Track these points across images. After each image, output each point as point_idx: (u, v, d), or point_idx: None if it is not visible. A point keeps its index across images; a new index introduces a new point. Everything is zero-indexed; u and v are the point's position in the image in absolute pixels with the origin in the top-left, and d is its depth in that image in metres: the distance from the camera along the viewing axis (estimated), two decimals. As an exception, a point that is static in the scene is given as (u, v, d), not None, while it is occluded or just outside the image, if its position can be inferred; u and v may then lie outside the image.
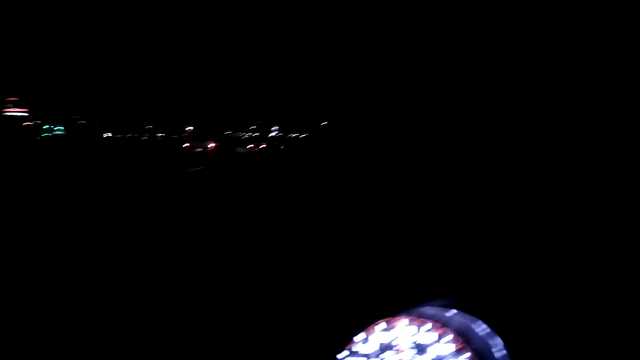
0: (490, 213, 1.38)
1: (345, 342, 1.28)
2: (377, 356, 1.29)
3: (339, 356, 1.27)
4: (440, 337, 1.31)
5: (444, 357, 1.30)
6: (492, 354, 1.25)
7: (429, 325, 1.31)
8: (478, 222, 1.37)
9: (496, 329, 1.23)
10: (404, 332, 1.31)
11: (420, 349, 1.30)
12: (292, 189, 1.91)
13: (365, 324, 1.27)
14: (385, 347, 1.30)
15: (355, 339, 1.29)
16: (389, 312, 1.26)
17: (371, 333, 1.30)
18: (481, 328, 1.26)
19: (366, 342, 1.30)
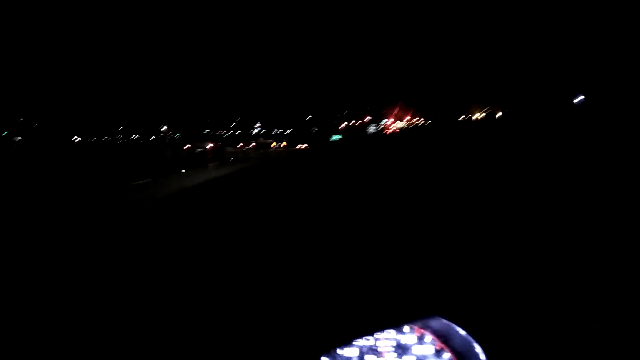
0: (466, 224, 1.40)
1: (327, 346, 1.30)
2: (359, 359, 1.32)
3: None
4: (419, 338, 1.34)
5: (425, 357, 1.32)
6: (470, 353, 1.27)
7: (408, 327, 1.34)
8: (454, 233, 1.39)
9: (472, 332, 1.25)
10: (384, 335, 1.34)
11: (402, 350, 1.33)
12: (283, 199, 1.93)
13: (347, 341, 1.29)
14: (366, 351, 1.33)
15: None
16: (371, 330, 1.29)
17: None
18: (459, 330, 1.28)
19: (348, 346, 1.33)
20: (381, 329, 1.30)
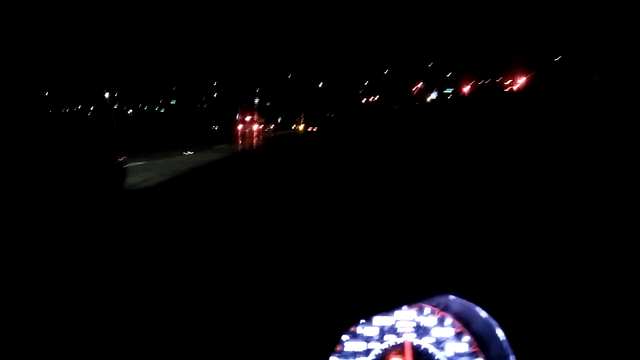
0: (486, 204, 1.36)
1: (347, 326, 1.34)
2: (379, 339, 1.35)
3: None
4: (440, 320, 1.34)
5: (445, 339, 1.33)
6: (491, 337, 1.26)
7: (428, 309, 1.34)
8: (474, 213, 1.35)
9: (494, 314, 1.23)
10: (404, 315, 1.35)
11: (421, 332, 1.34)
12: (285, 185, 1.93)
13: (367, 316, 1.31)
14: (386, 330, 1.35)
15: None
16: (389, 306, 1.29)
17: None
18: (480, 312, 1.26)
19: (368, 325, 1.36)
20: (399, 305, 1.30)
